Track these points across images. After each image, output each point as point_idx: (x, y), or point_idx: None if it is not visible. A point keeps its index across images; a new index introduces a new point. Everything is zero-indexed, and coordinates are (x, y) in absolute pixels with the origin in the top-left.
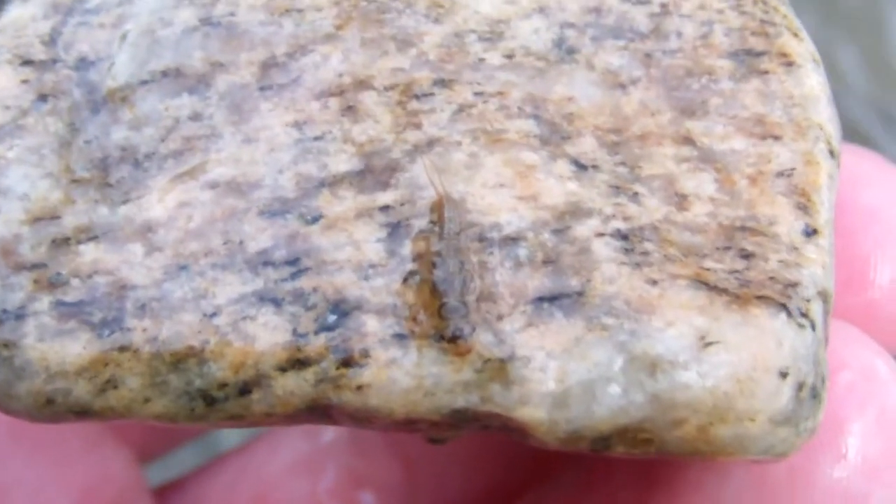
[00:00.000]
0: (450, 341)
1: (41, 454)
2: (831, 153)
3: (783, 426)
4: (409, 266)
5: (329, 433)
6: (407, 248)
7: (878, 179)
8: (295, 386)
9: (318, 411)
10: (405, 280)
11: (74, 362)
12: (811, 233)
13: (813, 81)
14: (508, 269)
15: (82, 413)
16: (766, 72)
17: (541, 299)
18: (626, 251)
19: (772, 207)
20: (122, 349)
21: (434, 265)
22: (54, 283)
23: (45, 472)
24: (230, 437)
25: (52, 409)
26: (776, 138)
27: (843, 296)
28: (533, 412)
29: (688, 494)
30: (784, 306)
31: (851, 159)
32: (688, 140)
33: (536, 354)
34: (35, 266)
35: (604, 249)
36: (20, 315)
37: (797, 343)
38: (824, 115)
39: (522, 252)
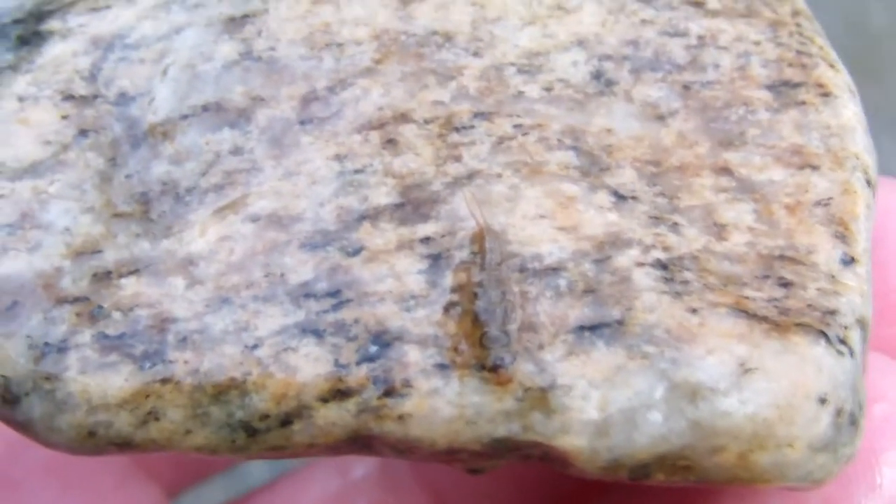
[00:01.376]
0: (491, 371)
1: (74, 489)
2: (868, 183)
3: (822, 453)
4: (451, 297)
5: (360, 469)
6: (448, 280)
7: None
8: (336, 416)
9: (359, 442)
10: (446, 311)
11: (116, 395)
12: (849, 261)
13: (849, 112)
14: (549, 299)
15: (124, 445)
16: (804, 102)
17: (581, 328)
18: (666, 280)
19: (810, 237)
20: (164, 381)
21: (476, 295)
22: (96, 317)
23: None
24: (258, 471)
25: (93, 441)
26: (814, 168)
27: (879, 327)
28: (574, 441)
29: None
30: (823, 333)
31: (886, 191)
32: (726, 170)
33: (577, 383)
34: (77, 300)
35: (644, 279)
36: (62, 348)
37: (836, 370)
38: (861, 145)
39: (563, 282)
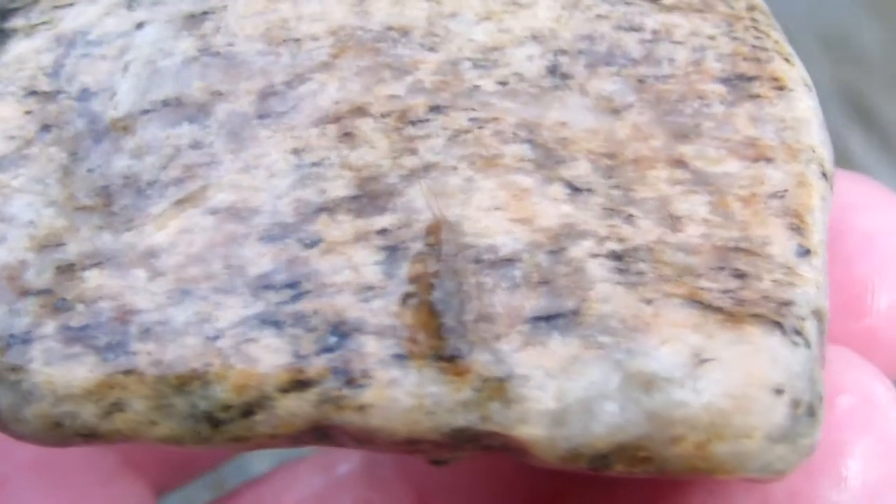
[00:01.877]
0: (448, 361)
1: (61, 486)
2: (824, 175)
3: (780, 443)
4: (407, 288)
5: (344, 465)
6: (405, 271)
7: (875, 204)
8: (297, 407)
9: (320, 432)
10: (403, 301)
11: (81, 385)
12: (804, 253)
13: (804, 105)
14: (505, 290)
15: (89, 436)
16: (758, 96)
17: (537, 319)
18: (621, 271)
19: (765, 228)
20: (128, 372)
21: (432, 286)
22: (60, 309)
23: (63, 503)
24: (245, 470)
25: (59, 432)
26: (768, 161)
27: (842, 322)
28: (532, 430)
29: None
30: (778, 324)
31: (847, 185)
32: (681, 163)
33: (534, 373)
34: (41, 292)
35: (598, 270)
36: (26, 339)
37: (792, 361)
38: (816, 138)
39: (518, 273)
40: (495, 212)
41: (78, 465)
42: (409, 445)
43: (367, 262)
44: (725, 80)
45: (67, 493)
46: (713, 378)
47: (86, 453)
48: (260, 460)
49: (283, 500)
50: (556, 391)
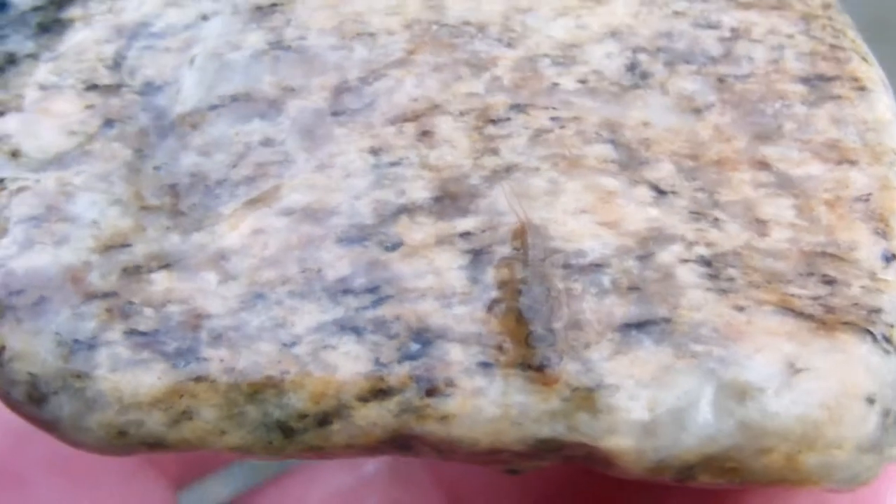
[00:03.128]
0: (537, 370)
1: (79, 484)
2: None
3: (869, 453)
4: (493, 294)
5: (371, 464)
6: (490, 276)
7: None
8: (377, 416)
9: (399, 442)
10: (489, 308)
11: (148, 393)
12: (890, 258)
13: (884, 105)
14: (594, 297)
15: (155, 445)
16: (839, 96)
17: (628, 326)
18: (711, 277)
19: (851, 233)
20: (199, 380)
21: (519, 292)
22: (127, 313)
23: (82, 500)
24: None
25: (123, 441)
26: (852, 163)
27: None
28: (620, 441)
29: None
30: (869, 332)
31: None
32: (764, 165)
33: (625, 383)
34: (106, 295)
35: (688, 276)
36: (92, 345)
37: (883, 369)
38: None
39: (607, 279)
40: (581, 215)
41: (96, 463)
42: (490, 456)
43: (450, 267)
44: (805, 80)
45: (87, 490)
46: (808, 388)
47: None
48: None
49: (308, 497)
50: (648, 401)
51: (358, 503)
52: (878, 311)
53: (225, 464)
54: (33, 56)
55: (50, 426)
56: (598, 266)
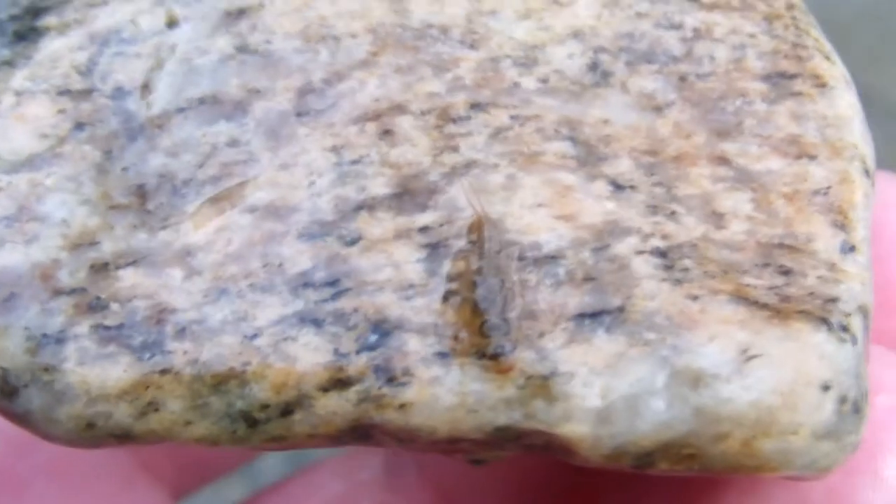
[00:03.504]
0: (492, 358)
1: (79, 491)
2: (866, 172)
3: (826, 440)
4: (450, 286)
5: (366, 471)
6: (447, 268)
7: None
8: (337, 406)
9: (359, 431)
10: (445, 299)
11: (115, 385)
12: (849, 249)
13: (845, 102)
14: (548, 287)
15: (123, 437)
16: (800, 93)
17: (582, 316)
18: (666, 268)
19: (809, 225)
20: (163, 372)
21: (475, 284)
22: (94, 308)
23: None
24: (264, 474)
25: (92, 433)
26: (811, 158)
27: (879, 320)
28: (576, 428)
29: None
30: (825, 320)
31: (883, 185)
32: (723, 160)
33: (579, 370)
34: (74, 291)
35: (643, 267)
36: (60, 339)
37: (839, 357)
38: (858, 135)
39: (562, 270)
40: (538, 209)
41: (96, 470)
42: (450, 444)
43: (408, 260)
44: (766, 78)
45: (84, 498)
46: (761, 374)
47: (104, 457)
48: (283, 464)
49: None
50: (602, 388)
51: None
52: (834, 300)
53: (223, 473)
54: (9, 63)
55: (22, 419)
56: (553, 258)
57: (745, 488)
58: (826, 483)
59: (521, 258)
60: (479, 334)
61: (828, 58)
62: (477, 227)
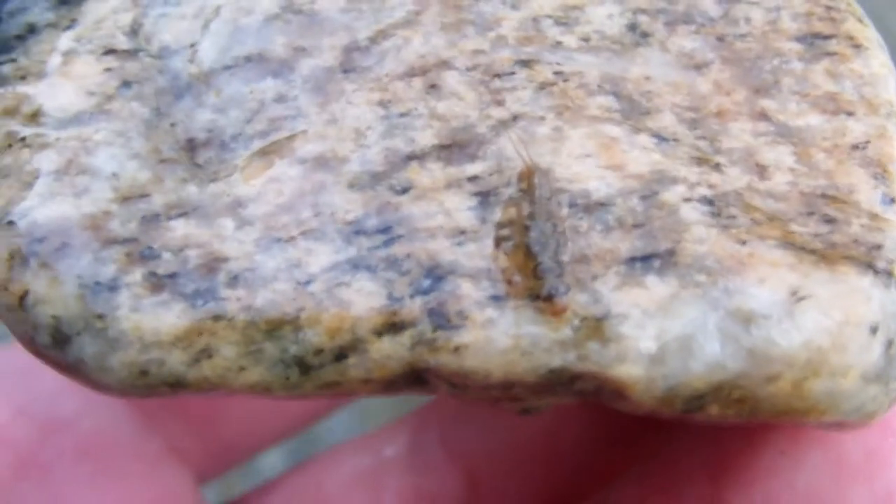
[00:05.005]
0: (545, 300)
1: (104, 474)
2: None
3: (874, 383)
4: (502, 231)
5: (390, 448)
6: (498, 215)
7: None
8: (391, 350)
9: (414, 376)
10: (498, 244)
11: (169, 332)
12: (889, 201)
13: (879, 62)
14: (599, 233)
15: (176, 385)
16: (835, 53)
17: (633, 259)
18: (713, 215)
19: (849, 177)
20: (217, 318)
21: (527, 228)
22: (146, 257)
23: (108, 491)
24: (283, 460)
25: (146, 380)
26: (849, 114)
27: None
28: (630, 370)
29: (761, 482)
30: (870, 265)
31: None
32: (764, 116)
33: (632, 312)
34: (126, 241)
35: (692, 213)
36: (113, 287)
37: (885, 301)
38: (893, 92)
39: (611, 216)
40: (586, 159)
41: (121, 453)
42: (503, 390)
43: (459, 208)
44: (801, 39)
45: (111, 481)
46: (811, 316)
47: (131, 441)
48: (301, 449)
49: (328, 483)
50: (655, 330)
51: (377, 487)
52: (879, 247)
53: (248, 457)
54: (53, 25)
55: (73, 369)
56: (602, 205)
57: (781, 449)
58: (864, 443)
59: (571, 205)
60: (533, 277)
61: (860, 20)
62: (527, 176)
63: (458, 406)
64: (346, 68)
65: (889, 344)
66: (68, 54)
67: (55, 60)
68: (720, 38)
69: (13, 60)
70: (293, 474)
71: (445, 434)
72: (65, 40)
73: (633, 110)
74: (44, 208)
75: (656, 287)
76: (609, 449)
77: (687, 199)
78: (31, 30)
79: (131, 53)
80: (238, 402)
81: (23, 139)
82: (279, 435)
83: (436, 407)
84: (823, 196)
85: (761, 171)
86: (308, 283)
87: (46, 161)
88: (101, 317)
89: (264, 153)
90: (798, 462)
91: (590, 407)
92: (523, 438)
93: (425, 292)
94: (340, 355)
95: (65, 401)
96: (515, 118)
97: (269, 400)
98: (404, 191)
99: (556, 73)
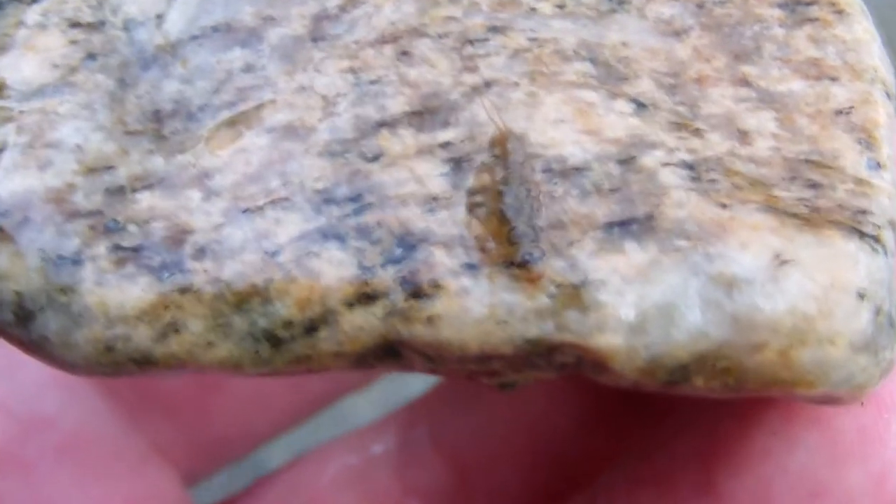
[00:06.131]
0: (520, 267)
1: (87, 473)
2: (887, 95)
3: (863, 352)
4: (475, 198)
5: (379, 445)
6: (470, 182)
7: None
8: (363, 321)
9: (387, 348)
10: (471, 211)
11: (135, 306)
12: (876, 166)
13: (862, 27)
14: (575, 198)
15: (143, 362)
16: (817, 19)
17: (610, 224)
18: (693, 179)
19: (834, 142)
20: (184, 291)
21: (500, 193)
22: (111, 230)
23: (90, 490)
24: (275, 459)
25: (111, 357)
26: (832, 79)
27: None
28: (610, 339)
29: (754, 465)
30: (856, 230)
31: None
32: (745, 82)
33: (611, 279)
34: (90, 213)
35: (671, 178)
36: (76, 260)
37: (872, 266)
38: (877, 58)
39: (588, 181)
40: (561, 124)
41: (104, 451)
42: (480, 363)
43: (431, 174)
44: (783, 5)
45: (94, 479)
46: (796, 280)
47: (115, 440)
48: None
49: (317, 481)
50: (635, 297)
51: (368, 482)
52: (864, 212)
53: (234, 457)
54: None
55: (37, 346)
56: (578, 169)
57: (773, 430)
58: (858, 422)
59: (546, 170)
60: (507, 243)
61: None
62: (500, 141)
63: (447, 401)
64: (316, 37)
65: (877, 311)
66: (33, 28)
67: (20, 34)
68: (699, 5)
69: None
70: (282, 472)
71: (434, 430)
72: (30, 14)
73: (610, 76)
74: (7, 182)
75: (635, 253)
76: (600, 439)
77: (666, 164)
78: None
79: (97, 26)
80: (224, 398)
81: None
82: (269, 432)
83: (425, 403)
84: (807, 161)
85: (743, 136)
86: (276, 253)
87: (10, 134)
88: (64, 291)
89: (232, 123)
90: (791, 443)
91: (578, 396)
92: (513, 432)
93: (397, 261)
94: (311, 328)
95: (46, 398)
96: (488, 84)
97: (246, 388)
98: (375, 158)
99: (531, 39)
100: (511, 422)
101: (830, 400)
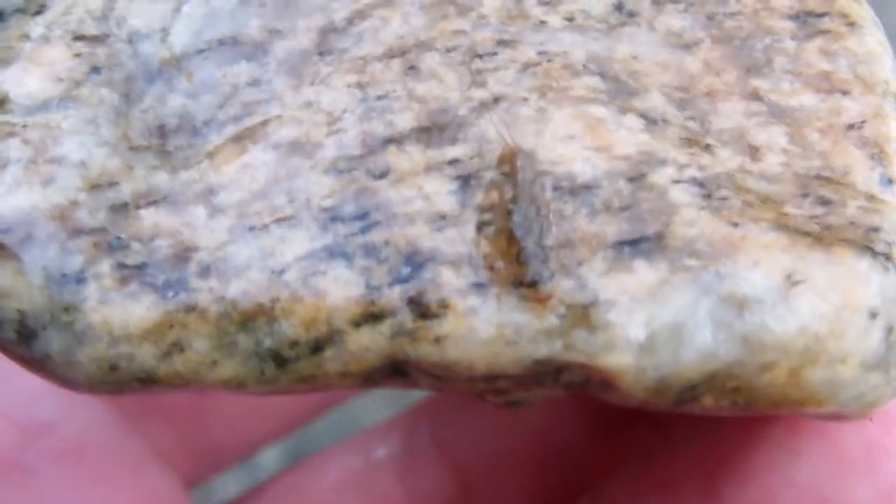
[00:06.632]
0: (530, 287)
1: (87, 478)
2: None
3: (874, 371)
4: (483, 216)
5: (382, 449)
6: (479, 199)
7: None
8: (370, 341)
9: (394, 368)
10: (479, 229)
11: (139, 325)
12: (887, 182)
13: (874, 40)
14: (585, 216)
15: (147, 380)
16: (828, 31)
17: (621, 244)
18: (704, 197)
19: (845, 158)
20: (188, 310)
21: (509, 212)
22: (114, 247)
23: (91, 495)
24: (274, 462)
25: (115, 376)
26: (844, 93)
27: None
28: (619, 359)
29: (759, 477)
30: (868, 248)
31: None
32: (755, 96)
33: (620, 298)
34: (94, 231)
35: (681, 195)
36: (80, 279)
37: (885, 285)
38: (889, 71)
39: (598, 199)
40: (571, 141)
41: (106, 456)
42: (487, 382)
43: (439, 192)
44: (794, 17)
45: (95, 484)
46: (807, 300)
47: (115, 444)
48: (293, 449)
49: (317, 485)
50: (645, 317)
51: (369, 487)
52: (876, 229)
53: (235, 460)
54: (22, 11)
55: (40, 365)
56: (588, 187)
57: (779, 442)
58: (865, 436)
59: (555, 188)
60: (516, 263)
61: None
62: (509, 158)
63: (450, 406)
64: (322, 50)
65: (889, 330)
66: (37, 41)
67: (23, 47)
68: (710, 17)
69: None
70: (284, 476)
71: (437, 434)
72: (34, 26)
73: (620, 91)
74: (9, 198)
75: (645, 272)
76: (603, 446)
77: (676, 181)
78: (0, 17)
79: (101, 39)
80: (224, 402)
81: None
82: (269, 436)
83: (428, 407)
84: (818, 177)
85: (753, 152)
86: (282, 272)
87: (12, 150)
88: (67, 309)
89: (237, 138)
90: (797, 456)
91: (582, 403)
92: (516, 438)
93: (404, 280)
94: (316, 347)
95: (46, 403)
96: (497, 100)
97: (248, 397)
98: (382, 175)
99: (540, 53)
100: (514, 427)
101: (839, 417)
